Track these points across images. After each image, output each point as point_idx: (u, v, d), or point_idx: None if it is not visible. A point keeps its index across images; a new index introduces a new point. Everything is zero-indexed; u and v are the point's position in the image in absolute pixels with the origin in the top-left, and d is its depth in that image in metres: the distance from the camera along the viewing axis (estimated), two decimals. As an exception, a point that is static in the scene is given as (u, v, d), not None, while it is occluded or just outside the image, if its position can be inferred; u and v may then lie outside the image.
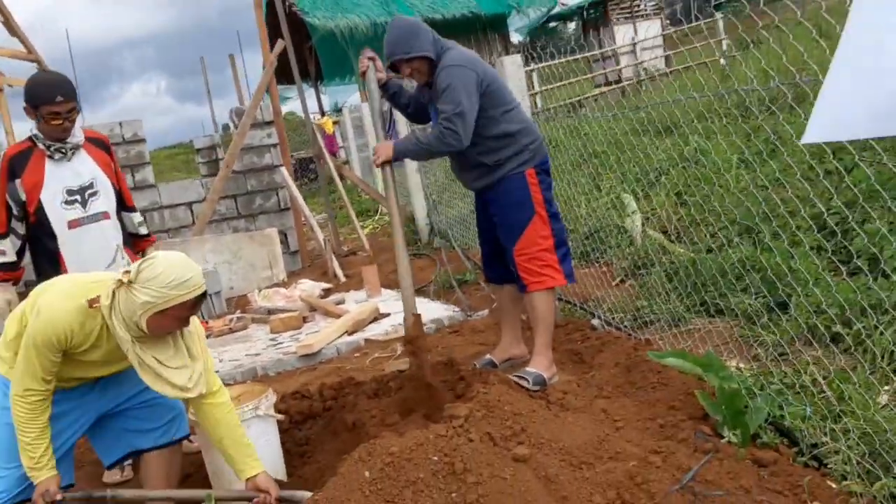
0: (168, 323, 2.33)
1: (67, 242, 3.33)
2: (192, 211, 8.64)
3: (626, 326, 4.10)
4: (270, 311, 6.28)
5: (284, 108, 17.88)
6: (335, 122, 20.22)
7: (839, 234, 3.75)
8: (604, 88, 16.08)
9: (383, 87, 3.64)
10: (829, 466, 2.40)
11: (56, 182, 3.33)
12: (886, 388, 2.71)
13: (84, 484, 3.56)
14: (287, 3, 15.92)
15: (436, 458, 2.38)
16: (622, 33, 19.57)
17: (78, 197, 3.37)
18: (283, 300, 6.75)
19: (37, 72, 3.41)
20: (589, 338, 4.00)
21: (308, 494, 2.67)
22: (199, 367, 2.47)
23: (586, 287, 4.86)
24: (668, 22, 20.95)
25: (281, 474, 3.07)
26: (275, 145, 9.02)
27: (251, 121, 8.42)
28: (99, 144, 3.54)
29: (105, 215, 3.43)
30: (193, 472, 3.45)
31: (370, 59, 3.56)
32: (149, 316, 2.27)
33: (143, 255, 3.36)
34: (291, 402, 3.70)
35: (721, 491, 2.28)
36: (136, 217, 3.66)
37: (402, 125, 8.86)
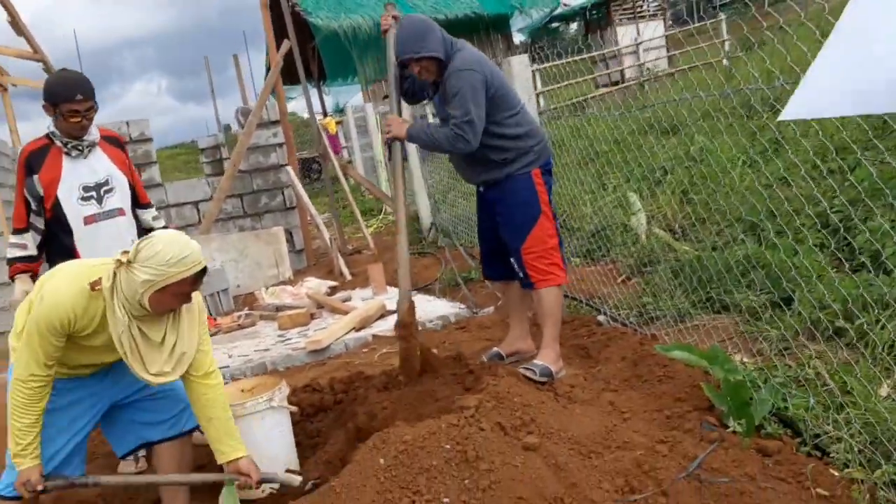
0: (169, 300, 2.38)
1: (83, 238, 3.40)
2: (198, 210, 8.71)
3: (631, 322, 4.16)
4: (278, 308, 6.36)
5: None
6: (338, 123, 20.29)
7: (842, 231, 3.81)
8: (606, 89, 16.13)
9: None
10: (831, 455, 2.46)
11: (73, 178, 3.39)
12: (888, 381, 2.77)
13: (100, 474, 3.63)
14: (290, 4, 16.00)
15: (448, 446, 2.44)
16: (624, 34, 19.63)
17: (94, 193, 3.44)
18: (290, 298, 6.82)
19: (58, 69, 3.47)
20: (595, 333, 4.06)
21: (295, 478, 2.74)
22: (185, 348, 2.51)
23: (592, 284, 4.92)
24: (670, 23, 21.02)
25: (294, 465, 3.13)
26: (280, 145, 9.10)
27: (257, 120, 8.49)
28: (114, 142, 3.61)
29: (120, 212, 3.49)
30: (207, 463, 3.51)
31: (394, 17, 3.58)
32: (150, 294, 2.32)
33: None
34: (302, 395, 3.76)
35: (726, 478, 2.34)
36: (152, 212, 3.73)
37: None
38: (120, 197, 3.50)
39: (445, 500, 2.27)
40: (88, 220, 3.41)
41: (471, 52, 3.48)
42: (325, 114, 23.89)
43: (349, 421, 3.35)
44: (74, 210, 3.38)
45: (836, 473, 2.37)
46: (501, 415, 2.68)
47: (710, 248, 4.56)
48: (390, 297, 6.23)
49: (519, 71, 4.56)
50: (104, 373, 2.70)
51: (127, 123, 8.37)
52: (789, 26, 3.37)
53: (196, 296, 2.54)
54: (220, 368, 4.87)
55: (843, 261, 3.53)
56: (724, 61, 10.91)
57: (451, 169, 7.41)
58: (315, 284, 7.16)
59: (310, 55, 21.16)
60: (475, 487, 2.31)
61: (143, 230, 3.67)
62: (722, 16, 16.63)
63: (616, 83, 17.39)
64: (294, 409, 3.29)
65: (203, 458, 3.55)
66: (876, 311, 3.09)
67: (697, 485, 2.32)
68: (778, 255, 3.74)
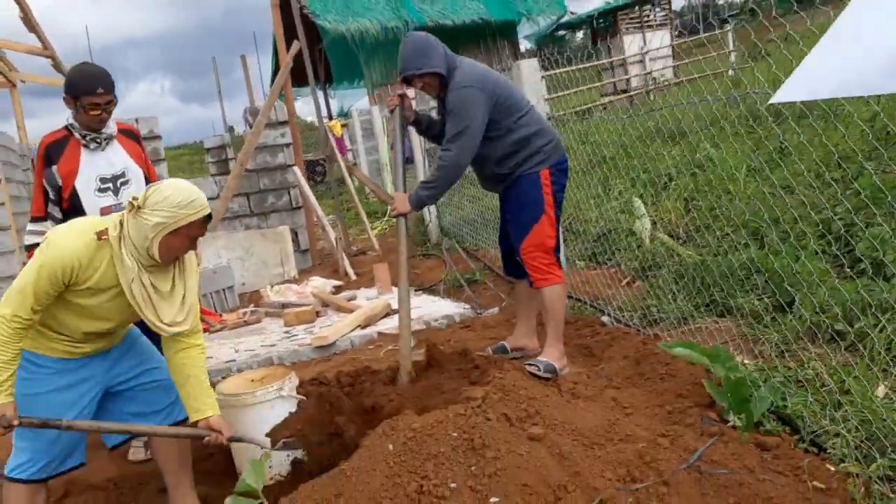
0: (179, 243, 2.46)
1: None
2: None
3: (635, 324, 4.23)
4: (284, 306, 6.42)
5: (295, 110, 17.95)
6: (343, 125, 20.39)
7: (843, 238, 3.88)
8: (612, 97, 16.23)
9: (415, 122, 3.81)
10: (828, 451, 2.53)
11: (90, 170, 3.46)
12: (885, 382, 2.84)
13: (106, 463, 3.69)
14: (299, 6, 16.11)
15: (455, 434, 2.51)
16: (631, 43, 19.74)
17: (110, 185, 3.51)
18: (296, 296, 6.89)
19: (79, 63, 3.55)
20: (599, 333, 4.13)
21: (265, 440, 2.79)
22: (193, 299, 2.60)
23: (596, 286, 4.99)
24: (676, 33, 21.12)
25: (300, 454, 3.19)
26: (288, 145, 9.18)
27: (266, 120, 8.58)
28: (130, 136, 3.68)
29: None
30: (215, 452, 3.58)
31: (400, 96, 3.70)
32: (161, 237, 2.40)
33: None
34: (309, 387, 3.81)
35: (726, 470, 2.40)
36: None
37: (416, 135, 9.05)
38: (136, 189, 3.57)
39: (453, 484, 2.34)
40: (105, 212, 3.48)
41: (470, 68, 3.55)
42: (330, 117, 24.01)
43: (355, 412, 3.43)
44: (91, 201, 3.45)
45: (833, 468, 2.44)
46: (507, 406, 2.75)
47: (713, 253, 4.63)
48: (395, 297, 6.30)
49: (528, 74, 4.64)
50: (102, 356, 2.72)
51: (136, 121, 8.45)
52: (797, 35, 3.43)
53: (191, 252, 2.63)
54: (227, 362, 4.97)
55: (845, 267, 3.60)
56: (730, 72, 11.00)
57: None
58: (320, 283, 7.23)
59: (316, 58, 21.27)
60: (481, 474, 2.37)
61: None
62: (728, 26, 16.73)
63: (622, 91, 17.50)
64: (303, 398, 3.35)
65: (212, 447, 3.64)
66: (872, 311, 3.15)
67: (697, 476, 2.38)
68: (780, 259, 3.81)
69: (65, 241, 2.42)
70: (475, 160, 3.64)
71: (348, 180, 9.70)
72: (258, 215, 9.12)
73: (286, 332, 5.68)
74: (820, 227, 4.02)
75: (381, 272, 6.69)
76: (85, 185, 3.45)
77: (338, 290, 7.13)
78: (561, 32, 27.21)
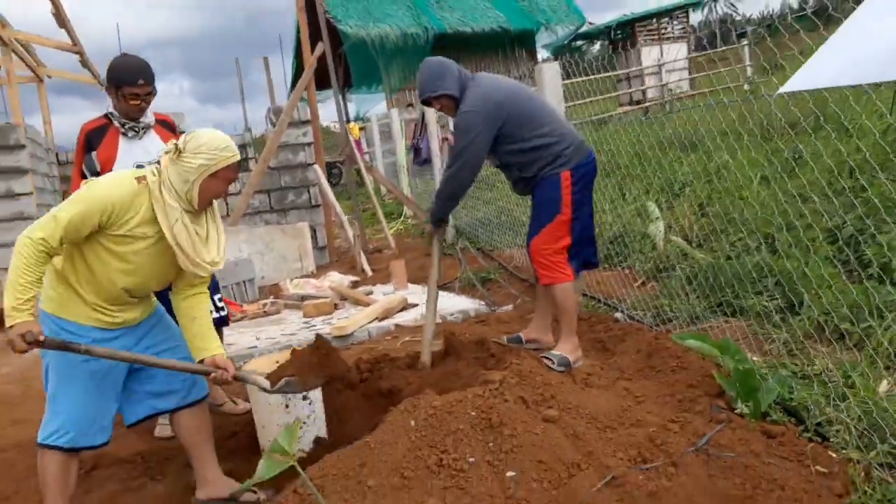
0: (216, 186, 2.62)
1: None
2: (226, 203, 8.95)
3: (647, 322, 4.34)
4: (303, 298, 6.57)
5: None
6: (361, 129, 20.60)
7: (853, 244, 3.98)
8: (628, 108, 16.35)
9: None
10: (831, 440, 2.64)
11: (128, 158, 3.62)
12: (889, 378, 2.94)
13: (135, 439, 3.83)
14: (324, 10, 16.33)
15: (473, 413, 2.64)
16: (648, 54, 19.85)
17: None
18: (314, 289, 7.04)
19: (121, 54, 3.71)
20: (612, 329, 4.24)
21: (265, 381, 2.90)
22: (223, 240, 2.77)
23: (610, 286, 5.10)
24: (693, 46, 21.22)
25: (322, 431, 3.32)
26: (309, 144, 9.35)
27: (289, 119, 8.75)
28: (167, 126, 3.84)
29: None
30: (239, 431, 3.72)
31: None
32: (202, 180, 2.57)
33: None
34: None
35: (732, 453, 2.52)
36: None
37: (434, 138, 9.25)
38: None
39: (471, 458, 2.46)
40: None
41: (479, 89, 3.69)
42: (348, 119, 24.22)
43: (373, 395, 3.56)
44: None
45: (835, 455, 2.55)
46: (524, 390, 2.87)
47: (724, 257, 4.74)
48: (411, 293, 6.44)
49: (549, 78, 4.76)
50: (133, 329, 2.84)
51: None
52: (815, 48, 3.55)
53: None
54: (249, 348, 5.12)
55: (852, 272, 3.70)
56: (745, 86, 11.11)
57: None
58: (338, 278, 7.37)
59: (336, 61, 21.49)
60: (498, 450, 2.50)
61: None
62: (744, 41, 16.82)
63: (638, 102, 17.61)
64: (323, 381, 3.48)
65: (234, 427, 3.78)
66: (881, 316, 3.26)
67: (705, 458, 2.50)
68: (793, 262, 3.91)
69: (106, 182, 2.59)
70: (503, 167, 3.86)
71: (367, 181, 9.85)
72: (278, 211, 9.29)
73: (305, 323, 5.82)
74: (832, 233, 4.13)
75: (397, 269, 6.83)
76: None
77: (355, 285, 7.27)
78: (578, 43, 27.37)
